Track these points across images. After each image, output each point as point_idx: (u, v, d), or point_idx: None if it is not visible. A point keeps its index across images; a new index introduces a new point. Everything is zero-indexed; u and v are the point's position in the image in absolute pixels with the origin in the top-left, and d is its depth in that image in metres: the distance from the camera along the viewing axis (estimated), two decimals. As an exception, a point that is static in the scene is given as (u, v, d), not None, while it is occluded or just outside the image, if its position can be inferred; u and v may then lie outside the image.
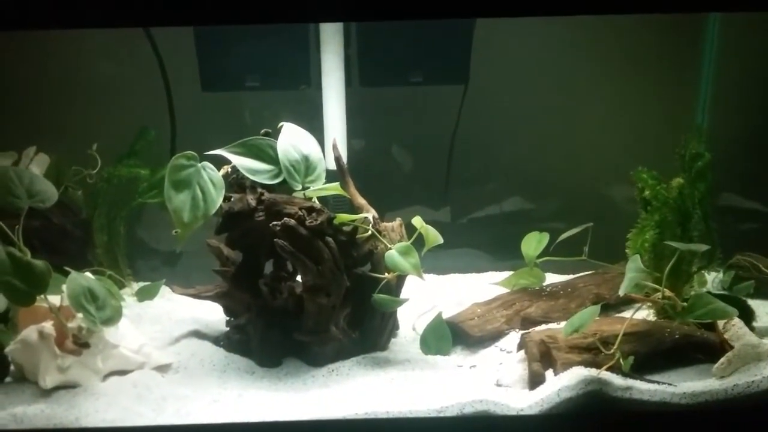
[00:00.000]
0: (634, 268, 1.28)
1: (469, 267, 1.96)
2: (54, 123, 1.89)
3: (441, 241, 1.49)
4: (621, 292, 1.29)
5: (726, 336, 1.31)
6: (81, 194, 1.77)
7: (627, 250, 1.52)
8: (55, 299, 1.37)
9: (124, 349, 1.41)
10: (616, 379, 1.25)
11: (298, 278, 1.52)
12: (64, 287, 1.37)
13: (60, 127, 1.89)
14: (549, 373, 1.31)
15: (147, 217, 1.96)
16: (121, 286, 1.81)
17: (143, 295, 1.78)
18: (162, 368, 1.44)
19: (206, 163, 1.39)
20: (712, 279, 1.69)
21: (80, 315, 1.33)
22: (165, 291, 1.81)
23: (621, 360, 1.27)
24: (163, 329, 1.62)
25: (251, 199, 1.43)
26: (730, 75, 1.86)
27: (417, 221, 1.48)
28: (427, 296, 1.67)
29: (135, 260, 1.91)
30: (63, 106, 1.90)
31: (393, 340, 1.57)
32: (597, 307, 1.26)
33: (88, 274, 1.47)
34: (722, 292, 1.51)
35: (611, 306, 1.56)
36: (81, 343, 1.34)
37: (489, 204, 2.04)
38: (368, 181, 1.63)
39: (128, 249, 1.86)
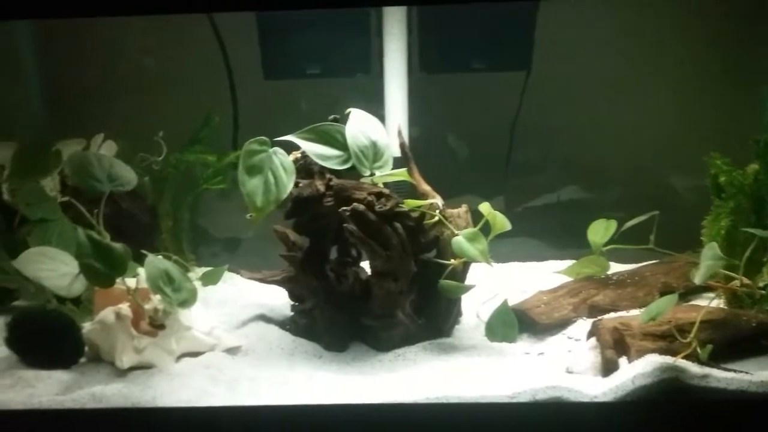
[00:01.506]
0: (711, 256, 1.26)
1: (529, 255, 1.95)
2: (120, 111, 1.93)
3: (509, 227, 1.49)
4: (697, 281, 1.27)
5: (805, 325, 1.29)
6: (147, 180, 1.80)
7: (702, 238, 1.49)
8: (129, 282, 1.41)
9: (197, 332, 1.45)
10: (693, 367, 1.23)
11: (363, 263, 1.54)
12: (139, 270, 1.41)
13: (125, 115, 1.93)
14: (622, 361, 1.30)
15: (206, 204, 2.00)
16: (186, 270, 1.84)
17: (207, 280, 1.80)
18: (232, 350, 1.47)
19: (277, 149, 1.41)
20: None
21: (157, 297, 1.36)
22: (227, 276, 1.84)
23: (698, 348, 1.25)
24: (230, 313, 1.65)
25: (320, 185, 1.44)
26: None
27: (484, 207, 1.48)
28: (489, 284, 1.66)
29: (197, 246, 1.95)
30: (128, 94, 1.93)
31: (457, 326, 1.57)
32: (675, 296, 1.25)
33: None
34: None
35: (681, 294, 1.53)
36: (157, 325, 1.38)
37: (546, 193, 2.03)
38: (425, 169, 1.63)
39: (191, 234, 1.90)
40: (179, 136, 1.85)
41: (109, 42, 1.92)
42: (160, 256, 1.43)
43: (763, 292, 1.23)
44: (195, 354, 1.43)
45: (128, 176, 1.37)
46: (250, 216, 1.37)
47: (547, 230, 1.99)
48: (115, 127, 1.79)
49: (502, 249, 1.84)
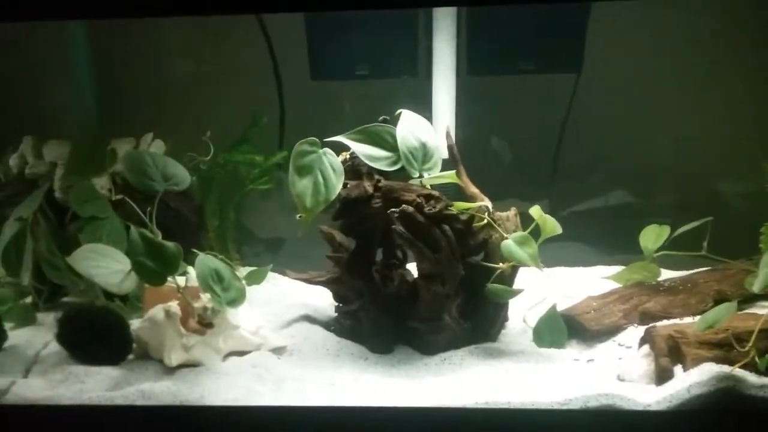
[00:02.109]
0: (769, 264, 1.23)
1: (575, 261, 1.92)
2: (168, 110, 1.96)
3: (559, 231, 1.47)
4: (756, 289, 1.23)
5: None
6: (195, 180, 1.82)
7: (761, 245, 1.45)
8: (178, 280, 1.42)
9: (244, 331, 1.45)
10: (751, 377, 1.20)
11: (408, 266, 1.53)
12: (189, 269, 1.42)
13: (174, 115, 1.95)
14: (677, 369, 1.27)
15: (251, 204, 2.01)
16: (232, 270, 1.85)
17: (251, 280, 1.81)
18: (278, 350, 1.48)
19: (327, 150, 1.41)
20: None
21: (206, 295, 1.37)
22: (270, 276, 1.85)
23: (756, 357, 1.22)
24: (275, 313, 1.65)
25: (368, 186, 1.44)
26: None
27: (535, 211, 1.46)
28: (537, 288, 1.64)
29: (241, 245, 1.96)
30: (177, 95, 1.96)
31: (503, 331, 1.55)
32: (734, 304, 1.21)
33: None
34: None
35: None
36: (206, 323, 1.39)
37: (593, 197, 2.00)
38: (471, 170, 1.62)
39: (237, 234, 1.91)
40: (226, 136, 1.86)
41: (158, 42, 1.94)
42: (209, 255, 1.45)
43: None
44: (242, 353, 1.44)
45: (182, 175, 1.39)
46: (300, 216, 1.38)
47: (593, 235, 1.95)
48: (164, 127, 1.81)
49: (548, 253, 1.82)
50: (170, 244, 1.32)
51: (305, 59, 1.83)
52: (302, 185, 1.37)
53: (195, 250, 1.38)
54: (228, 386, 1.31)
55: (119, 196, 1.53)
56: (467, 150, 1.88)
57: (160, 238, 1.34)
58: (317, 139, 1.40)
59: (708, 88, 1.89)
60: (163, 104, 1.99)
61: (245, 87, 1.96)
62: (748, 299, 1.51)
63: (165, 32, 1.92)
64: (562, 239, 1.94)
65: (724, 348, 1.25)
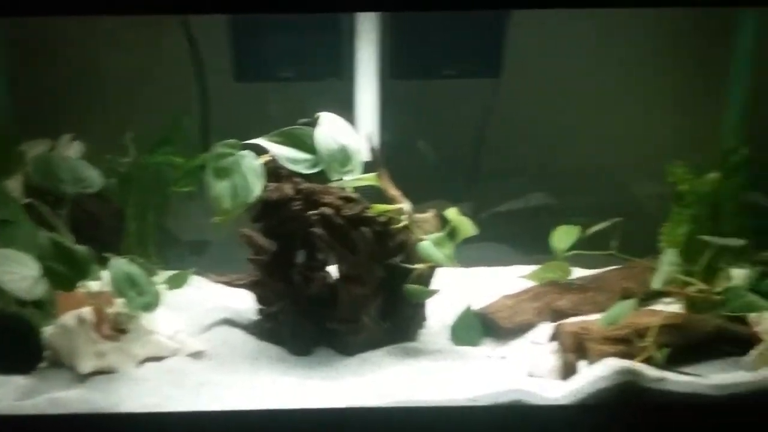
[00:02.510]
0: (668, 261, 1.30)
1: (495, 261, 1.97)
2: (87, 112, 1.91)
3: (475, 232, 1.50)
4: (655, 285, 1.30)
5: (757, 329, 1.33)
6: (113, 182, 1.78)
7: (661, 244, 1.53)
8: (92, 285, 1.40)
9: (160, 336, 1.44)
10: (650, 371, 1.26)
11: (329, 268, 1.55)
12: (102, 273, 1.40)
13: (93, 116, 1.91)
14: (582, 364, 1.33)
15: (173, 206, 1.98)
16: (151, 274, 1.82)
17: (173, 283, 1.79)
18: (196, 355, 1.46)
19: (247, 152, 1.41)
20: (739, 275, 1.70)
21: (120, 300, 1.36)
22: (193, 280, 1.83)
23: (655, 352, 1.28)
24: (195, 317, 1.63)
25: (289, 188, 1.45)
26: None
27: (451, 213, 1.50)
28: (455, 288, 1.68)
29: (163, 249, 1.93)
30: (96, 96, 1.91)
31: (421, 330, 1.58)
32: (634, 301, 1.28)
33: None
34: (753, 288, 1.52)
35: (640, 299, 1.56)
36: (119, 329, 1.37)
37: (513, 199, 2.06)
38: (395, 174, 1.64)
39: (157, 238, 1.88)
40: (149, 138, 1.83)
41: (78, 41, 1.89)
42: (124, 259, 1.42)
43: (719, 297, 1.27)
44: (158, 358, 1.42)
45: (93, 178, 1.36)
46: (217, 220, 1.37)
47: (514, 235, 2.01)
48: (83, 128, 1.77)
49: (469, 254, 1.87)
50: (81, 249, 1.30)
51: (230, 60, 1.82)
52: (220, 188, 1.36)
53: (108, 254, 1.35)
54: (144, 392, 1.30)
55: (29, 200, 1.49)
56: (392, 153, 1.91)
57: (71, 242, 1.32)
58: (237, 141, 1.40)
59: (624, 92, 1.97)
60: (84, 105, 1.94)
61: (170, 88, 1.93)
62: (654, 296, 1.59)
63: (88, 30, 1.87)
64: (483, 239, 1.99)
65: (626, 343, 1.31)
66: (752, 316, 1.34)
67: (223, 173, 1.36)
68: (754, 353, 1.29)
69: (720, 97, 1.89)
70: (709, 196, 1.48)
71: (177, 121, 1.81)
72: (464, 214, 1.80)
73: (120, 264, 1.33)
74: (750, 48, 1.81)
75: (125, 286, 1.32)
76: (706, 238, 1.36)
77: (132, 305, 1.32)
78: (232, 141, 1.38)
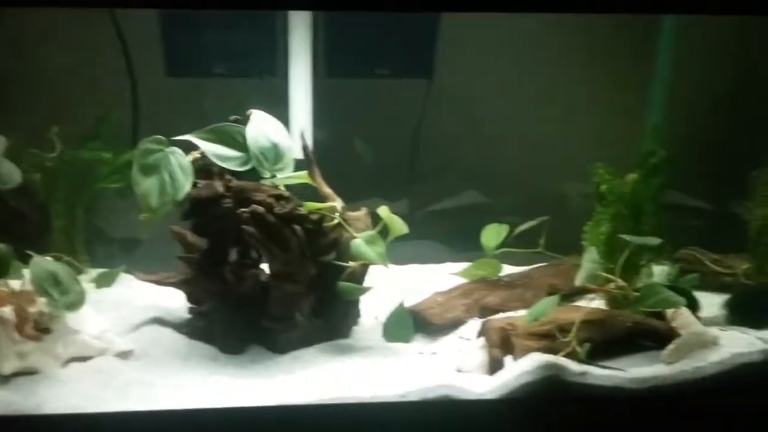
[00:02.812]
0: (590, 260, 1.34)
1: (428, 258, 2.00)
2: (13, 106, 1.85)
3: (406, 230, 1.52)
4: (577, 283, 1.35)
5: (674, 324, 1.39)
6: (39, 178, 1.73)
7: (583, 242, 1.58)
8: (13, 284, 1.35)
9: (86, 335, 1.40)
10: (572, 365, 1.30)
11: (263, 265, 1.54)
12: (25, 271, 1.35)
13: (19, 110, 1.84)
14: (508, 359, 1.36)
15: (104, 203, 1.93)
16: (79, 272, 1.78)
17: (102, 282, 1.75)
18: (124, 355, 1.43)
19: (175, 148, 1.39)
20: (659, 272, 1.78)
21: (42, 299, 1.32)
22: (123, 278, 1.79)
23: (577, 347, 1.33)
24: (124, 316, 1.60)
25: (219, 186, 1.43)
26: (686, 74, 1.95)
27: (383, 211, 1.51)
28: (388, 285, 1.69)
29: (92, 246, 1.88)
30: (23, 89, 1.85)
31: (355, 327, 1.59)
32: (557, 297, 1.32)
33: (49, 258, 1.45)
34: (669, 284, 1.58)
35: (565, 296, 1.61)
36: (42, 329, 1.33)
37: (447, 197, 2.09)
38: (330, 172, 1.65)
39: (86, 234, 1.84)
40: (78, 133, 1.78)
41: (6, 34, 1.83)
42: (47, 257, 1.38)
43: (638, 294, 1.32)
44: (84, 359, 1.38)
45: (11, 172, 1.32)
46: (144, 217, 1.35)
47: (446, 233, 2.05)
48: (8, 123, 1.71)
49: (403, 251, 1.89)
50: (0, 246, 1.26)
51: (162, 55, 1.79)
52: (147, 185, 1.34)
53: (32, 252, 1.31)
54: (68, 393, 1.27)
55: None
56: (327, 151, 1.91)
57: (-10, 239, 1.27)
58: (164, 138, 1.37)
59: (553, 94, 2.02)
60: (12, 99, 1.87)
61: (100, 82, 1.88)
62: (579, 292, 1.64)
63: (17, 23, 1.80)
64: (417, 237, 2.02)
65: (549, 339, 1.35)
66: (669, 312, 1.40)
67: (150, 170, 1.34)
68: (670, 347, 1.35)
69: (643, 99, 1.96)
70: (629, 196, 1.53)
71: (105, 116, 1.77)
72: (399, 212, 1.83)
73: (42, 262, 1.29)
74: (669, 52, 1.89)
75: (47, 285, 1.28)
76: (626, 237, 1.42)
77: (54, 305, 1.29)
78: (158, 137, 1.36)
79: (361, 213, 1.56)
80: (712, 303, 1.64)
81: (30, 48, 1.85)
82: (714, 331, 1.41)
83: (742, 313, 1.52)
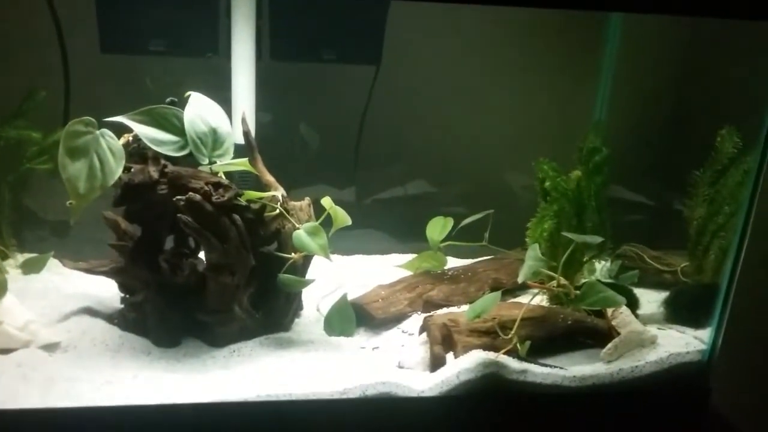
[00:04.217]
0: (532, 257, 1.33)
1: (374, 248, 1.97)
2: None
3: (349, 222, 1.49)
4: (519, 280, 1.34)
5: (614, 323, 1.39)
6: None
7: (526, 239, 1.58)
8: (-71, 271, 1.27)
9: (8, 326, 1.33)
10: (513, 363, 1.30)
11: (201, 255, 1.48)
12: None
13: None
14: (449, 356, 1.35)
15: (35, 183, 1.83)
16: (5, 257, 1.69)
17: (29, 268, 1.66)
18: (49, 347, 1.36)
19: (105, 131, 1.31)
20: (601, 267, 1.80)
21: (-40, 289, 1.24)
22: (53, 264, 1.70)
23: (518, 344, 1.32)
24: (51, 305, 1.52)
25: (153, 171, 1.36)
26: (628, 71, 1.95)
27: (326, 201, 1.47)
28: (331, 277, 1.66)
29: (20, 229, 1.78)
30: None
31: (297, 320, 1.56)
32: (498, 294, 1.31)
33: (-33, 244, 1.36)
34: (610, 281, 1.60)
35: (508, 291, 1.61)
36: (-41, 320, 1.25)
37: (394, 186, 2.06)
38: (275, 157, 1.59)
39: (13, 217, 1.74)
40: (4, 110, 1.68)
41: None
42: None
43: (579, 292, 1.32)
44: (6, 351, 1.31)
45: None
46: (70, 203, 1.27)
47: (393, 223, 2.02)
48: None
49: (348, 241, 1.86)
50: None
51: (96, 29, 1.69)
52: (75, 169, 1.26)
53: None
54: (-13, 388, 1.20)
55: None
56: (272, 136, 1.85)
57: None
58: (93, 119, 1.30)
59: (500, 86, 2.01)
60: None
61: (29, 56, 1.77)
62: (523, 287, 1.64)
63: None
64: (363, 226, 2.00)
65: (491, 336, 1.34)
66: (609, 310, 1.41)
67: (78, 153, 1.26)
68: (610, 346, 1.35)
69: (589, 95, 1.97)
70: (572, 194, 1.53)
71: (31, 94, 1.66)
72: (345, 200, 1.80)
73: (-43, 250, 1.21)
74: (615, 46, 1.89)
75: (-36, 274, 1.20)
76: (569, 234, 1.41)
77: (-28, 295, 1.21)
78: (87, 119, 1.28)
79: (304, 203, 1.52)
80: (651, 300, 1.68)
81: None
82: (653, 330, 1.43)
83: (680, 312, 1.54)
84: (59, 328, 1.44)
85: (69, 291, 1.60)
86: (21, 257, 1.74)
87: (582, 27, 1.92)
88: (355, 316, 1.50)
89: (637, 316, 1.47)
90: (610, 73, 1.90)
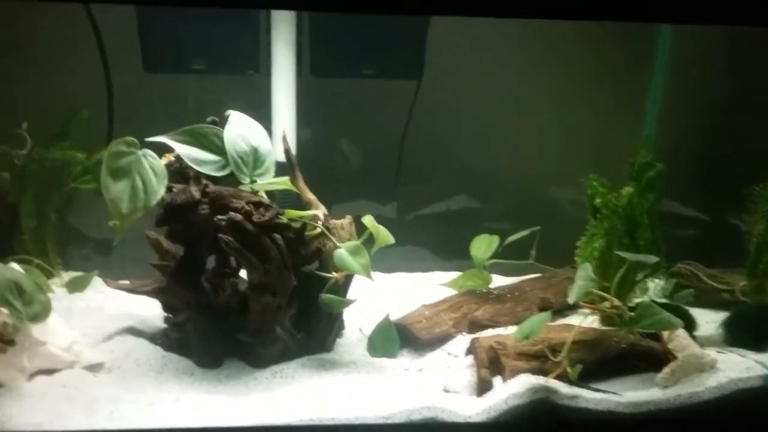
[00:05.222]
0: (584, 276, 1.28)
1: (416, 266, 1.94)
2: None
3: (392, 241, 1.46)
4: (570, 300, 1.29)
5: (670, 346, 1.33)
6: (8, 176, 1.65)
7: (576, 258, 1.52)
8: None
9: (53, 347, 1.33)
10: (564, 388, 1.25)
11: (243, 274, 1.47)
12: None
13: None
14: (497, 380, 1.30)
15: (80, 202, 1.86)
16: (50, 276, 1.71)
17: (74, 287, 1.68)
18: (94, 368, 1.37)
19: (147, 151, 1.31)
20: (654, 286, 1.73)
21: (5, 310, 1.24)
22: (97, 282, 1.71)
23: (568, 368, 1.27)
24: (96, 324, 1.53)
25: (195, 191, 1.35)
26: (679, 84, 1.89)
27: (368, 220, 1.44)
28: (374, 296, 1.63)
29: (66, 248, 1.80)
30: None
31: (338, 341, 1.53)
32: (548, 314, 1.26)
33: (14, 264, 1.37)
34: (664, 301, 1.53)
35: (556, 311, 1.56)
36: (5, 341, 1.26)
37: (436, 202, 2.03)
38: (316, 173, 1.58)
39: (59, 236, 1.76)
40: (51, 129, 1.70)
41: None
42: (11, 264, 1.31)
43: (632, 314, 1.26)
44: (51, 371, 1.32)
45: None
46: (114, 223, 1.27)
47: (435, 240, 1.99)
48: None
49: (389, 258, 1.83)
50: (-42, 254, 1.18)
51: (139, 49, 1.70)
52: (117, 189, 1.26)
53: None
54: (32, 408, 1.20)
55: None
56: (311, 152, 1.84)
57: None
58: (135, 140, 1.30)
59: (545, 101, 1.96)
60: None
61: (75, 77, 1.79)
62: (572, 306, 1.58)
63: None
64: (406, 243, 1.96)
65: (540, 359, 1.29)
66: (666, 333, 1.35)
67: (120, 174, 1.26)
68: (666, 370, 1.29)
69: (638, 108, 1.91)
70: (624, 211, 1.47)
71: (74, 114, 1.68)
72: (386, 216, 1.77)
73: (3, 271, 1.22)
74: (666, 60, 1.84)
75: (9, 295, 1.20)
76: (622, 253, 1.36)
77: (18, 315, 1.21)
78: (130, 139, 1.28)
79: (345, 221, 1.49)
80: (708, 321, 1.61)
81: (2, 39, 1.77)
82: (712, 353, 1.36)
83: (740, 334, 1.47)
84: (103, 348, 1.44)
85: (112, 310, 1.61)
86: (66, 276, 1.76)
87: (630, 39, 1.87)
88: (398, 337, 1.47)
89: (694, 338, 1.41)
90: (660, 85, 1.84)
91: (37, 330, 1.30)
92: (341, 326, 1.54)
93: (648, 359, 1.36)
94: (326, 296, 1.40)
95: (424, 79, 1.80)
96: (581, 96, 1.94)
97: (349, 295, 1.48)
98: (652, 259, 1.36)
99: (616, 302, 1.32)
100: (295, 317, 1.44)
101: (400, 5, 1.18)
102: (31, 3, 1.71)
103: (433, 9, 1.28)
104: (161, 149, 1.35)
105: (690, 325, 1.46)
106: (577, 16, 1.21)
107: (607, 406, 1.24)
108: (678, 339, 1.33)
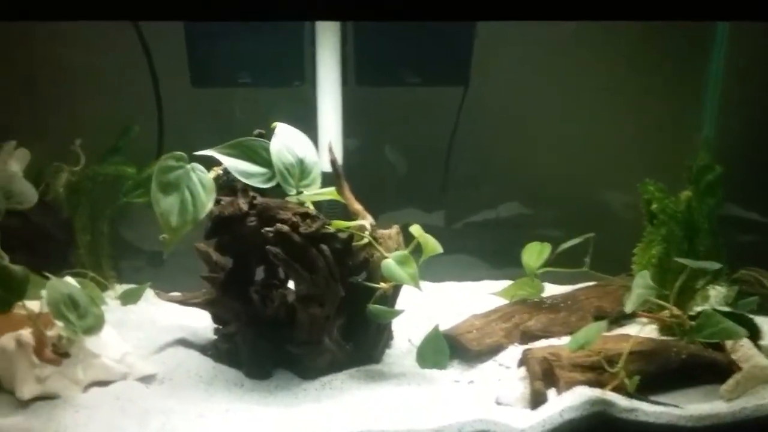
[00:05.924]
0: (641, 284, 1.24)
1: (465, 275, 1.91)
2: (36, 118, 1.82)
3: (440, 250, 1.44)
4: (628, 309, 1.24)
5: (734, 357, 1.27)
6: (63, 192, 1.69)
7: (633, 266, 1.47)
8: (33, 305, 1.31)
9: (106, 359, 1.35)
10: (621, 400, 1.21)
11: (291, 285, 1.47)
12: (43, 293, 1.31)
13: (42, 123, 1.82)
14: (551, 392, 1.26)
15: (132, 216, 1.89)
16: (104, 288, 1.74)
17: (127, 299, 1.71)
18: (146, 379, 1.38)
19: (196, 165, 1.33)
20: (716, 294, 1.66)
21: (60, 323, 1.27)
22: (150, 294, 1.74)
23: (626, 380, 1.22)
24: (148, 336, 1.55)
25: (243, 203, 1.36)
26: (736, 84, 1.82)
27: (415, 230, 1.43)
28: (423, 305, 1.61)
29: (119, 261, 1.84)
30: (46, 101, 1.82)
31: (387, 351, 1.51)
32: (603, 324, 1.22)
33: (69, 278, 1.40)
34: (726, 309, 1.47)
35: (613, 320, 1.50)
36: (61, 353, 1.28)
37: (485, 209, 2.00)
38: (363, 182, 1.57)
39: (112, 249, 1.80)
40: (103, 146, 1.75)
41: (28, 44, 1.80)
42: (67, 278, 1.34)
43: (693, 323, 1.21)
44: (105, 383, 1.33)
45: (28, 192, 1.28)
46: (164, 237, 1.29)
47: (485, 248, 1.95)
48: (31, 136, 1.69)
49: (438, 267, 1.80)
50: (17, 268, 1.21)
51: (186, 65, 1.73)
52: (167, 203, 1.28)
53: (48, 274, 1.26)
54: (87, 420, 1.22)
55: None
56: (358, 161, 1.84)
57: (6, 260, 1.22)
58: (184, 154, 1.31)
59: (595, 104, 1.92)
60: (32, 111, 1.84)
61: (125, 94, 1.84)
62: (628, 315, 1.53)
63: (39, 33, 1.78)
64: (454, 251, 1.94)
65: (596, 371, 1.25)
66: (729, 343, 1.28)
67: (170, 188, 1.27)
68: (730, 382, 1.24)
69: (695, 110, 1.85)
70: (682, 216, 1.41)
71: (126, 130, 1.72)
72: (434, 224, 1.75)
73: (58, 284, 1.24)
74: (722, 61, 1.77)
75: (64, 308, 1.23)
76: (682, 260, 1.30)
77: (71, 329, 1.24)
78: (178, 153, 1.30)
79: (393, 231, 1.48)
80: (774, 329, 1.53)
81: (52, 58, 1.82)
82: (779, 364, 1.29)
83: (810, 344, 1.39)
84: (155, 359, 1.46)
85: (164, 322, 1.63)
86: (120, 288, 1.79)
87: (686, 39, 1.81)
88: (448, 348, 1.45)
89: (759, 348, 1.34)
90: (717, 86, 1.77)
91: (91, 342, 1.33)
92: (390, 337, 1.53)
93: (711, 370, 1.30)
94: (374, 307, 1.39)
95: (471, 85, 1.77)
96: (635, 98, 1.88)
97: (398, 306, 1.46)
98: (714, 265, 1.30)
99: (676, 311, 1.27)
100: (343, 328, 1.43)
101: (443, 12, 1.17)
102: (82, 22, 1.75)
103: (479, 14, 1.25)
104: (209, 163, 1.36)
105: (755, 334, 1.39)
106: (632, 16, 1.18)
107: (667, 419, 1.19)
108: (742, 349, 1.27)
